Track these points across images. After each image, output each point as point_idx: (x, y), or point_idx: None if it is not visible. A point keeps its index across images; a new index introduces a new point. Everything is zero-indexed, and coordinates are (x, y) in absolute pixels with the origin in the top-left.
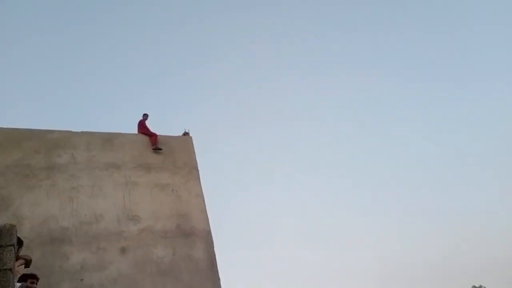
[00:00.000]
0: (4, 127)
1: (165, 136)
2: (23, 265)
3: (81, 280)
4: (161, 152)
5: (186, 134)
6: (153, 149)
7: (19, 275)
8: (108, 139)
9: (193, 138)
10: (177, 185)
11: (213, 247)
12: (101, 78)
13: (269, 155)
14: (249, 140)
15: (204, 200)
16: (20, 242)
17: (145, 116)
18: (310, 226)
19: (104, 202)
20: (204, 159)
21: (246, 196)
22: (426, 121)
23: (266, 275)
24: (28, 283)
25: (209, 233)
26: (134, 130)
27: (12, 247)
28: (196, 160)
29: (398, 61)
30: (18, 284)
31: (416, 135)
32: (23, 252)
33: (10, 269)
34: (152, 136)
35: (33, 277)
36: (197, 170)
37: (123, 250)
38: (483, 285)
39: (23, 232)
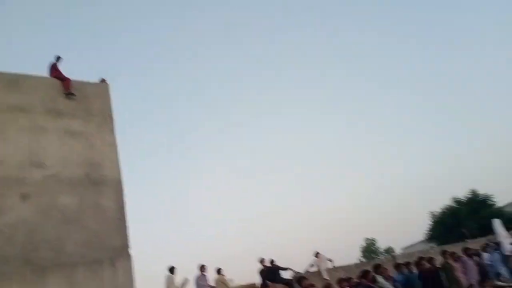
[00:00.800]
0: None
1: (80, 81)
2: None
3: None
4: (74, 98)
5: (103, 81)
6: (66, 94)
7: None
8: (14, 80)
9: (110, 85)
10: (90, 133)
11: (123, 196)
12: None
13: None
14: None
15: (117, 150)
16: None
17: (58, 58)
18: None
19: (4, 147)
20: (122, 108)
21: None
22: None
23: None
24: None
25: (119, 182)
26: (45, 73)
27: None
28: (112, 109)
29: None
30: None
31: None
32: None
33: None
34: (65, 80)
35: None
36: (112, 119)
37: (24, 197)
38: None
39: None
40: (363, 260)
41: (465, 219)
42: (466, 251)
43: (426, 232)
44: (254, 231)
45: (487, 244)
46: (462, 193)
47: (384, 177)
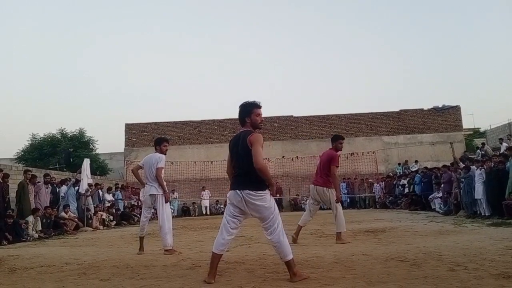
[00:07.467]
0: None
1: None
2: None
3: None
4: None
5: None
6: None
7: None
8: None
9: None
10: None
11: None
12: None
13: None
14: None
15: None
16: None
17: None
18: None
19: None
20: None
21: None
22: None
23: None
24: None
25: None
26: None
27: None
28: None
29: None
30: None
31: None
32: None
33: None
34: None
35: None
36: None
37: None
38: None
39: None
40: None
41: (61, 151)
42: (46, 177)
43: (19, 151)
44: None
45: (67, 179)
46: (72, 128)
47: None
